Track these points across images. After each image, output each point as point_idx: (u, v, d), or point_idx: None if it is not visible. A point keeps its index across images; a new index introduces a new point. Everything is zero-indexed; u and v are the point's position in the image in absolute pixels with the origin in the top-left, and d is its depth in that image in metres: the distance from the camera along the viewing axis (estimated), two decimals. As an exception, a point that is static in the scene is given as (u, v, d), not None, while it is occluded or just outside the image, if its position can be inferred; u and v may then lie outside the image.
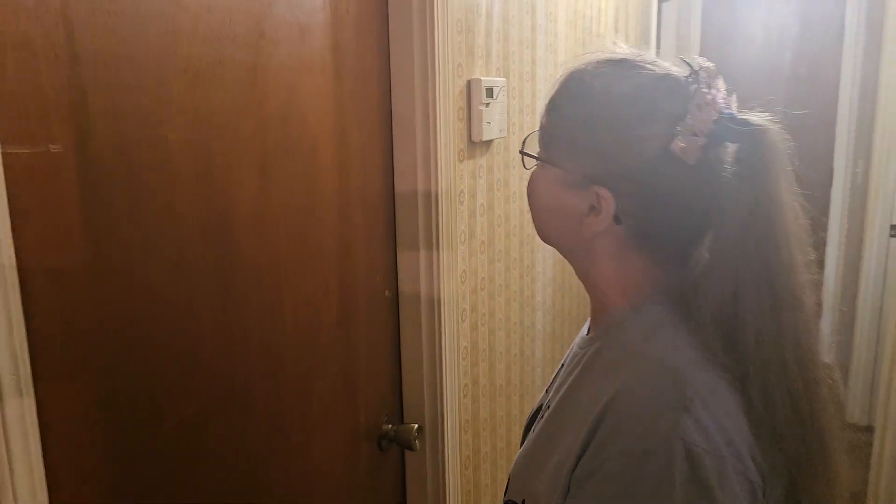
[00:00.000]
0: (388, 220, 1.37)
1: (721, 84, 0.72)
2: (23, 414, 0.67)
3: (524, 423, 0.96)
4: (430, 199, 1.36)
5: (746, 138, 0.69)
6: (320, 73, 1.14)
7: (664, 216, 0.74)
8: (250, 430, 1.03)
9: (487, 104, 1.51)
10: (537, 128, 0.82)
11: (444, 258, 1.39)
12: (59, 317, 0.74)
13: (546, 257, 2.06)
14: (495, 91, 1.54)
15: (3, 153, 0.62)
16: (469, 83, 1.47)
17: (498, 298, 1.73)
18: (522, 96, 1.78)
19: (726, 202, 0.69)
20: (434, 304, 1.40)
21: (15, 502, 0.65)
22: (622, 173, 0.73)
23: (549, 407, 0.83)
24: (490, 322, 1.69)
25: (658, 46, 3.70)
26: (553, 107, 0.79)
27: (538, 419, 0.86)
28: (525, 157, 0.82)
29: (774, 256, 0.68)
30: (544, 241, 0.84)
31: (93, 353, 0.78)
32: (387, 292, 1.37)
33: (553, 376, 0.92)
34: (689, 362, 0.69)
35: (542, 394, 0.93)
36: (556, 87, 0.80)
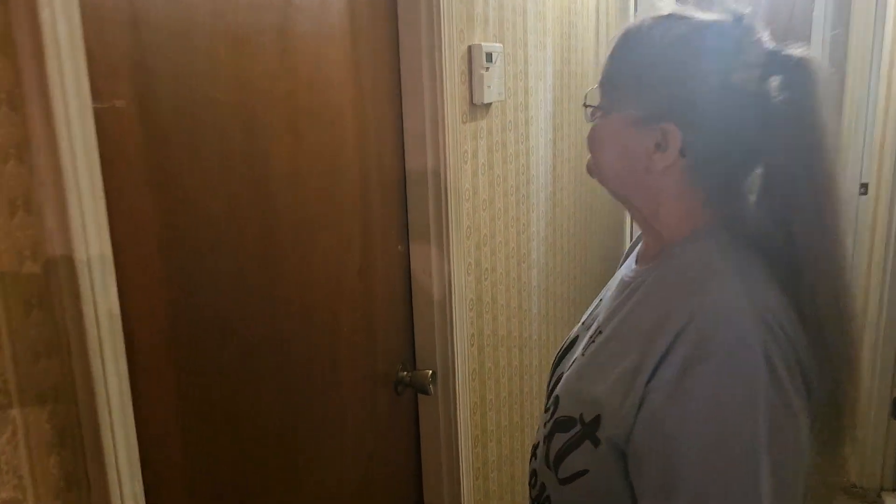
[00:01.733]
0: (400, 178, 1.46)
1: (762, 25, 0.81)
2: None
3: (550, 360, 1.05)
4: (438, 159, 1.45)
5: (792, 69, 0.77)
6: (339, 39, 1.21)
7: (723, 147, 0.81)
8: (286, 369, 1.12)
9: (487, 68, 1.59)
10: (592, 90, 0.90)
11: (451, 216, 1.48)
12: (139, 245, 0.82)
13: (539, 217, 2.16)
14: (494, 56, 1.62)
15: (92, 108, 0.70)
16: (470, 48, 1.55)
17: (499, 255, 1.83)
18: (516, 62, 1.87)
19: (776, 129, 0.78)
20: (444, 258, 1.50)
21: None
22: (686, 107, 0.80)
23: (598, 330, 0.90)
24: (492, 277, 1.79)
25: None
26: (614, 58, 0.86)
27: (581, 344, 0.94)
28: (588, 109, 0.89)
29: (820, 179, 0.76)
30: (609, 187, 0.90)
31: (168, 287, 0.87)
32: (399, 247, 1.46)
33: (591, 309, 1.01)
34: (756, 280, 0.78)
35: (578, 326, 1.03)
36: (614, 43, 0.87)
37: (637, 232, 0.99)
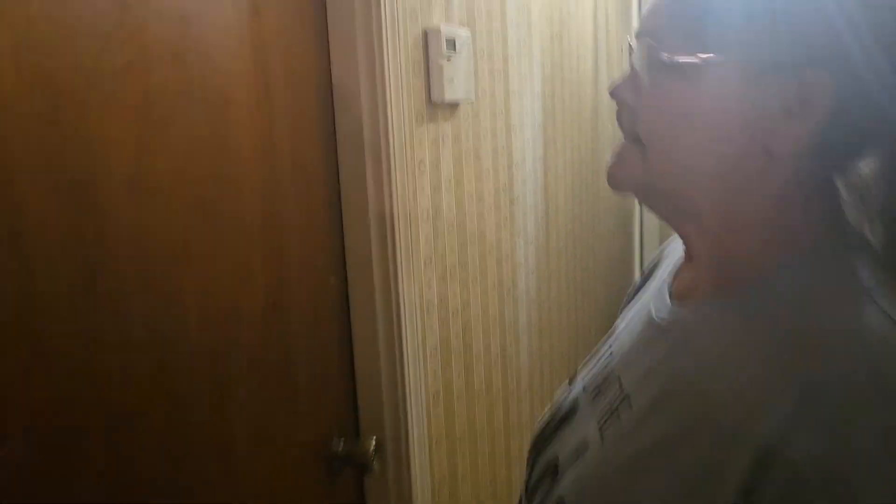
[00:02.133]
0: (332, 192, 1.14)
1: None
2: None
3: (535, 426, 0.72)
4: (382, 168, 1.13)
5: None
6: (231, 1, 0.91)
7: (863, 115, 0.51)
8: (145, 463, 0.79)
9: (449, 58, 1.28)
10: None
11: (399, 240, 1.16)
12: None
13: (527, 243, 1.83)
14: (458, 44, 1.31)
15: None
16: (426, 32, 1.24)
17: (473, 289, 1.50)
18: (492, 58, 1.56)
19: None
20: (392, 293, 1.17)
21: None
22: (847, 44, 0.49)
23: (623, 398, 0.59)
24: (463, 315, 1.45)
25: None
26: None
27: (589, 419, 0.62)
28: (649, 63, 0.55)
29: None
30: (661, 188, 0.57)
31: None
32: (332, 278, 1.14)
33: (593, 364, 0.69)
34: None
35: (573, 390, 0.70)
36: None
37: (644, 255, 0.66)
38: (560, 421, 0.69)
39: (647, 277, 0.75)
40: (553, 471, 0.64)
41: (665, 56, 0.54)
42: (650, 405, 0.55)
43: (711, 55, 0.52)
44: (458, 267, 1.42)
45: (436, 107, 1.30)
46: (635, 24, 3.08)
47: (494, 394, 1.62)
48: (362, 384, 1.21)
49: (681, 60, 0.53)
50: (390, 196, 1.14)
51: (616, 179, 0.60)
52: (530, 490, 0.67)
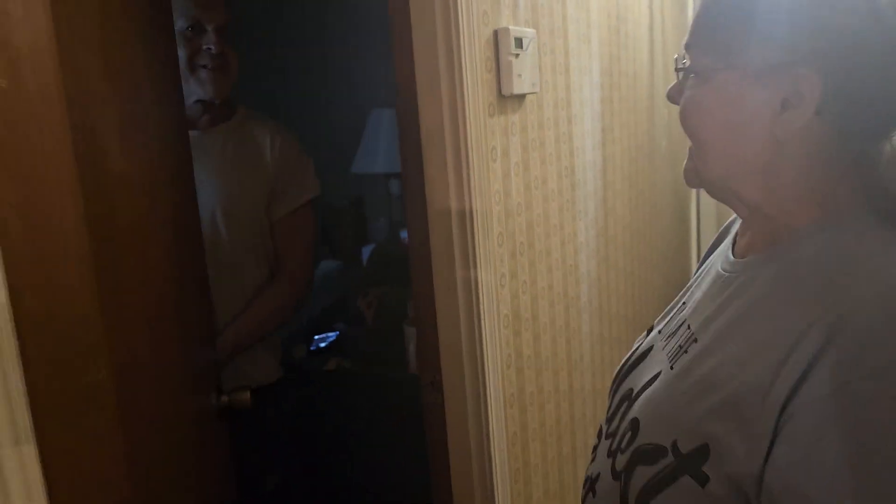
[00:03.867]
0: (418, 176, 1.30)
1: None
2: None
3: (607, 384, 0.86)
4: (461, 154, 1.28)
5: None
6: None
7: (870, 101, 0.63)
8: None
9: (517, 55, 1.43)
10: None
11: (477, 217, 1.31)
12: None
13: (588, 227, 1.96)
14: (525, 42, 1.45)
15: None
16: (496, 32, 1.39)
17: (539, 265, 1.64)
18: (554, 53, 1.70)
19: None
20: (470, 268, 1.32)
21: None
22: (829, 49, 0.62)
23: (690, 337, 0.72)
24: (532, 290, 1.60)
25: None
26: (710, 3, 0.68)
27: (656, 357, 0.76)
28: (681, 73, 0.70)
29: None
30: (711, 179, 0.72)
31: None
32: (420, 247, 1.30)
33: (670, 316, 0.82)
34: None
35: (651, 335, 0.84)
36: None
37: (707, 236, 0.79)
38: (637, 360, 0.83)
39: (714, 245, 0.88)
40: (629, 398, 0.78)
41: (681, 64, 0.69)
42: (711, 341, 0.69)
43: (719, 63, 0.66)
44: (526, 246, 1.57)
45: (505, 99, 1.44)
46: (690, 14, 3.16)
47: (559, 363, 1.76)
48: (445, 349, 1.37)
49: (693, 67, 0.68)
50: (468, 180, 1.29)
51: (686, 177, 0.74)
52: (610, 418, 0.81)
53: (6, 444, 0.58)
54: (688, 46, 0.70)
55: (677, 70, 0.72)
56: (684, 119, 0.71)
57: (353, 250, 2.95)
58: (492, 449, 1.40)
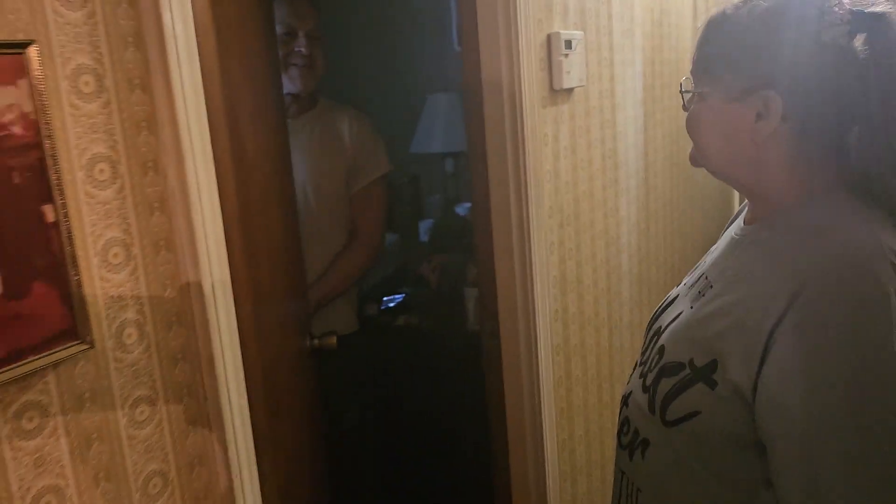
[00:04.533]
0: (482, 159, 1.56)
1: None
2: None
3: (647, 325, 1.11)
4: (518, 140, 1.54)
5: (874, 23, 0.82)
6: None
7: (822, 106, 0.85)
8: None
9: (567, 55, 1.66)
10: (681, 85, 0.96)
11: (531, 192, 1.57)
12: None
13: (630, 202, 2.19)
14: (574, 43, 1.69)
15: None
16: (549, 36, 1.63)
17: (583, 236, 1.88)
18: (600, 49, 1.92)
19: (868, 81, 0.82)
20: (524, 235, 1.58)
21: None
22: (782, 73, 0.85)
23: (707, 286, 0.95)
24: (576, 257, 1.85)
25: None
26: (704, 44, 0.93)
27: (682, 302, 1.00)
28: (685, 95, 0.95)
29: None
30: (712, 168, 0.96)
31: None
32: (481, 222, 1.56)
33: (694, 274, 1.06)
34: (880, 227, 0.83)
35: (677, 287, 1.08)
36: (701, 31, 0.94)
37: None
38: (666, 305, 1.07)
39: (733, 220, 1.12)
40: (658, 333, 1.03)
41: (685, 88, 0.93)
42: (722, 287, 0.93)
43: (710, 88, 0.90)
44: (572, 217, 1.81)
45: (556, 92, 1.68)
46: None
47: (601, 321, 2.01)
48: (502, 303, 1.63)
49: (693, 90, 0.92)
50: (524, 162, 1.55)
51: (691, 160, 0.99)
52: (643, 351, 1.06)
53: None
54: (692, 73, 0.94)
55: (682, 92, 0.97)
56: (689, 129, 0.95)
57: (409, 224, 3.23)
58: (540, 389, 1.66)
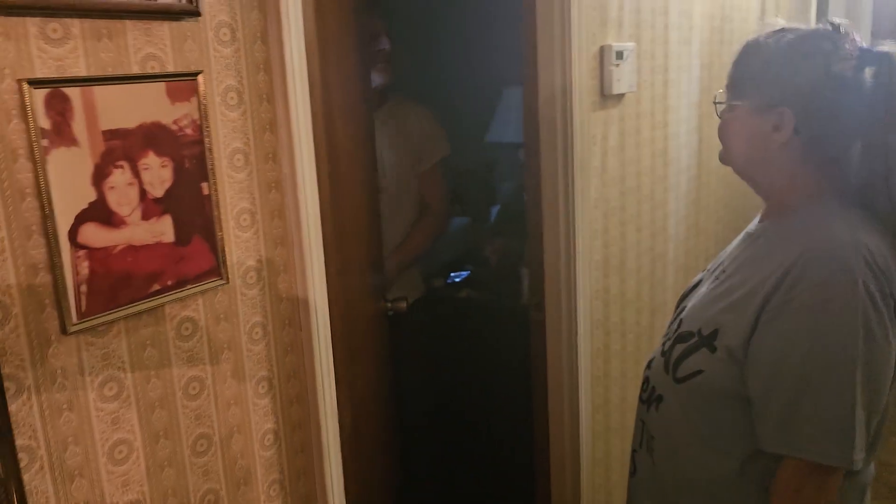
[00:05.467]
0: (534, 156, 1.81)
1: (856, 32, 1.08)
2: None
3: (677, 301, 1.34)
4: (567, 139, 1.78)
5: (880, 59, 1.03)
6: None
7: (828, 124, 1.06)
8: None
9: (618, 65, 1.88)
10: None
11: (577, 185, 1.81)
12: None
13: (678, 197, 2.38)
14: (625, 53, 1.91)
15: None
16: (601, 48, 1.85)
17: (628, 226, 2.10)
18: (654, 57, 2.12)
19: (871, 107, 1.03)
20: (570, 222, 1.82)
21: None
22: (796, 94, 1.05)
23: (723, 272, 1.17)
24: (620, 243, 2.07)
25: (824, 7, 3.73)
26: (737, 64, 1.14)
27: (704, 285, 1.21)
28: (717, 105, 1.17)
29: None
30: (736, 168, 1.17)
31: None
32: (533, 211, 1.82)
33: (716, 261, 1.27)
34: (859, 229, 1.03)
35: (702, 273, 1.31)
36: (738, 54, 1.15)
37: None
38: (691, 289, 1.30)
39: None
40: (681, 312, 1.26)
41: (717, 101, 1.15)
42: (734, 271, 1.15)
43: (738, 102, 1.11)
44: (617, 209, 2.04)
45: (606, 97, 1.91)
46: (813, 12, 3.38)
47: (642, 303, 2.23)
48: (548, 280, 1.88)
49: (723, 102, 1.14)
50: (571, 158, 1.78)
51: (720, 158, 1.20)
52: (669, 325, 1.29)
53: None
54: (726, 87, 1.16)
55: (716, 104, 1.19)
56: (720, 133, 1.17)
57: (482, 208, 3.50)
58: (578, 357, 1.91)
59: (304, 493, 1.20)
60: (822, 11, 3.37)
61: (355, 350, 1.63)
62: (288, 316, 1.14)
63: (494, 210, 3.35)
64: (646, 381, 1.25)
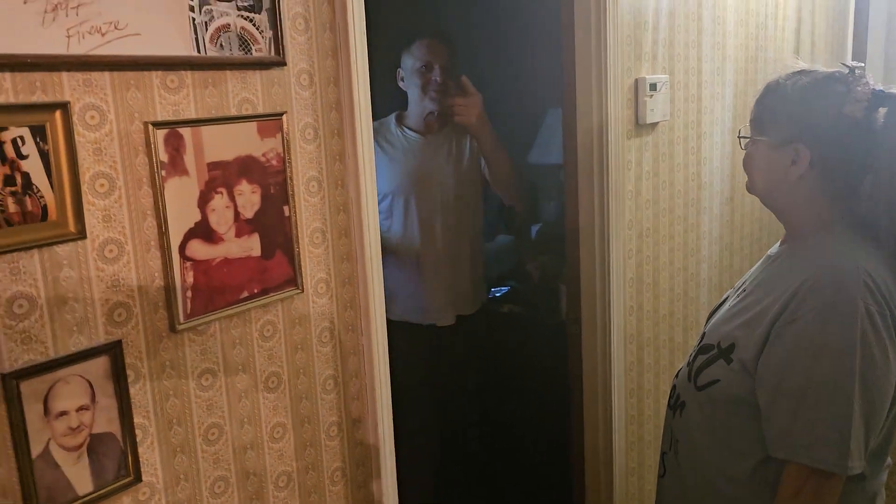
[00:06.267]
0: (573, 178, 1.95)
1: (869, 76, 1.19)
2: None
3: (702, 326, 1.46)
4: (603, 164, 1.91)
5: (892, 101, 1.14)
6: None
7: (840, 160, 1.17)
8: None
9: (651, 96, 2.02)
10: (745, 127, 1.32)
11: (612, 208, 1.94)
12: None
13: (712, 219, 2.49)
14: (658, 85, 2.04)
15: None
16: (636, 81, 1.99)
17: (662, 246, 2.22)
18: (687, 87, 2.25)
19: (881, 145, 1.15)
20: (605, 241, 1.95)
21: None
22: (812, 132, 1.16)
23: (744, 290, 1.28)
24: (654, 263, 2.19)
25: (864, 32, 3.79)
26: (759, 103, 1.26)
27: (730, 301, 1.33)
28: (742, 139, 1.29)
29: None
30: (759, 196, 1.28)
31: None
32: (571, 231, 1.95)
33: (741, 280, 1.39)
34: (864, 256, 1.14)
35: (729, 291, 1.42)
36: (759, 93, 1.28)
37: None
38: (718, 306, 1.43)
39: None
40: (707, 328, 1.38)
41: (740, 135, 1.28)
42: (751, 291, 1.27)
43: (760, 137, 1.24)
44: (651, 230, 2.16)
45: (641, 126, 2.04)
46: (850, 40, 3.45)
47: (675, 320, 2.33)
48: (584, 296, 2.01)
49: (746, 137, 1.26)
50: (607, 182, 1.92)
51: (747, 188, 1.32)
52: (699, 340, 1.42)
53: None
54: (749, 122, 1.29)
55: (740, 138, 1.31)
56: (744, 165, 1.29)
57: (524, 227, 3.64)
58: (612, 370, 2.03)
59: (362, 480, 1.35)
60: (859, 42, 3.43)
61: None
62: (351, 322, 1.30)
63: (535, 229, 3.49)
64: (673, 388, 1.37)
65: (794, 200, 1.22)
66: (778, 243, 1.33)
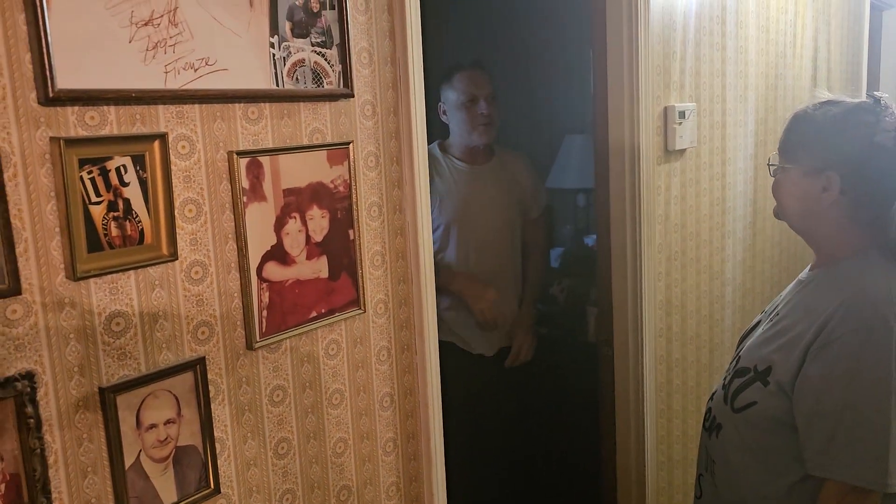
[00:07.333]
0: (606, 203, 2.01)
1: (894, 105, 1.24)
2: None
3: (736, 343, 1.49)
4: (635, 190, 1.97)
5: None
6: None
7: (870, 187, 1.22)
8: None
9: (680, 123, 2.08)
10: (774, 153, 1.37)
11: (643, 232, 1.99)
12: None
13: (735, 243, 2.54)
14: (686, 113, 2.10)
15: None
16: (665, 109, 2.06)
17: (689, 269, 2.27)
18: (713, 115, 2.31)
19: None
20: (637, 264, 2.01)
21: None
22: (843, 161, 1.21)
23: (777, 314, 1.33)
24: (682, 286, 2.24)
25: (877, 61, 3.87)
26: (789, 132, 1.31)
27: (761, 326, 1.37)
28: (771, 167, 1.34)
29: None
30: (790, 223, 1.32)
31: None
32: (602, 254, 2.01)
33: (772, 304, 1.44)
34: (893, 280, 1.19)
35: (760, 314, 1.47)
36: (788, 123, 1.32)
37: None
38: (750, 330, 1.47)
39: None
40: (740, 351, 1.43)
41: (770, 163, 1.33)
42: (784, 315, 1.32)
43: (790, 165, 1.29)
44: (679, 253, 2.21)
45: (670, 153, 2.10)
46: (865, 60, 3.53)
47: (702, 342, 2.38)
48: (616, 319, 2.06)
49: (777, 165, 1.32)
50: (639, 207, 1.97)
51: (774, 213, 1.37)
52: (731, 362, 1.46)
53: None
54: (778, 151, 1.34)
55: (769, 165, 1.36)
56: (774, 192, 1.34)
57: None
58: (644, 391, 2.06)
59: (415, 495, 1.39)
60: (872, 70, 3.51)
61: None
62: (406, 342, 1.35)
63: (553, 253, 3.54)
64: (708, 411, 1.41)
65: (824, 226, 1.27)
66: (808, 268, 1.38)
